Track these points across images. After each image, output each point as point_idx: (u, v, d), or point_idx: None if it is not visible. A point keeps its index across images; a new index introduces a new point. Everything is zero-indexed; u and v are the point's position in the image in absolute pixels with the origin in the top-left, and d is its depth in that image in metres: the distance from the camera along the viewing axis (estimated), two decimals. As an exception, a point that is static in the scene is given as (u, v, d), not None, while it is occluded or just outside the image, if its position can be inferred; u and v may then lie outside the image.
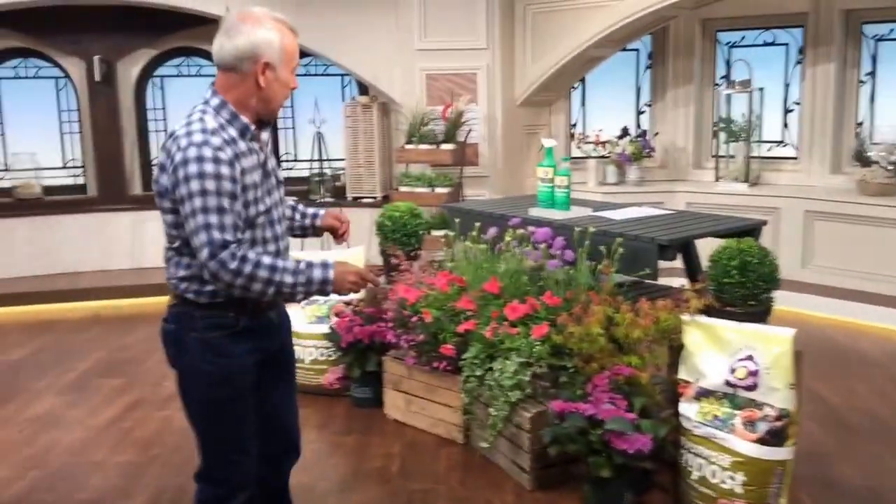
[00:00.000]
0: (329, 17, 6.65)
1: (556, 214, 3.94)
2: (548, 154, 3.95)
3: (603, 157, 6.98)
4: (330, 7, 6.67)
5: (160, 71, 7.54)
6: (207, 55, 6.72)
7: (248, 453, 2.38)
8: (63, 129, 7.43)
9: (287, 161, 7.61)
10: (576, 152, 7.17)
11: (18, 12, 6.68)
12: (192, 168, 2.07)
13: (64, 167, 7.53)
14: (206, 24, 6.61)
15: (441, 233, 5.50)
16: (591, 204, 4.36)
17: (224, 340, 2.26)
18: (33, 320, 6.38)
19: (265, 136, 2.33)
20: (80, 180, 7.49)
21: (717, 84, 6.94)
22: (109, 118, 7.18)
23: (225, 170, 2.09)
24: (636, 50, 7.21)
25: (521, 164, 6.85)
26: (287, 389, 2.55)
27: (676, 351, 3.18)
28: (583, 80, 7.27)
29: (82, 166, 7.46)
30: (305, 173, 7.37)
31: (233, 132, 2.17)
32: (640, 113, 7.30)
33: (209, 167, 2.07)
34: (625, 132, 6.99)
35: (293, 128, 7.64)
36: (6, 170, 7.35)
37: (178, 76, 7.60)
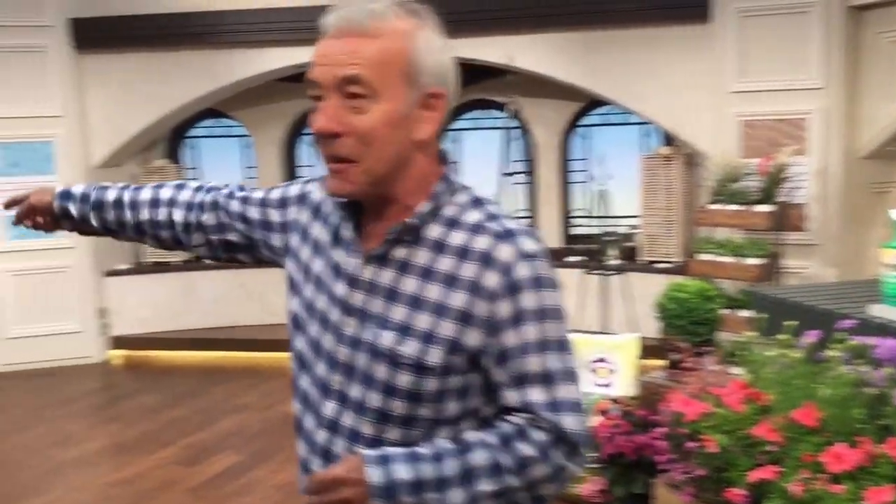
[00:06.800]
0: (623, 58, 5.87)
1: (912, 318, 2.74)
2: (900, 230, 2.78)
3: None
4: (624, 47, 5.89)
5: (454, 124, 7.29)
6: (501, 107, 6.27)
7: None
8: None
9: (574, 217, 6.95)
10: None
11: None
12: None
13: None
14: (500, 75, 6.19)
15: (746, 313, 4.40)
16: (969, 301, 3.04)
17: None
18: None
19: (375, 244, 1.31)
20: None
21: None
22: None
23: (299, 187, 1.50)
24: None
25: (866, 231, 5.44)
26: None
27: None
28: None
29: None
30: (593, 231, 6.65)
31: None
32: None
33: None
34: None
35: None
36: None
37: (473, 129, 7.28)
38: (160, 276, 6.85)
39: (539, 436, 1.24)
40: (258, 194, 1.53)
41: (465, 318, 1.24)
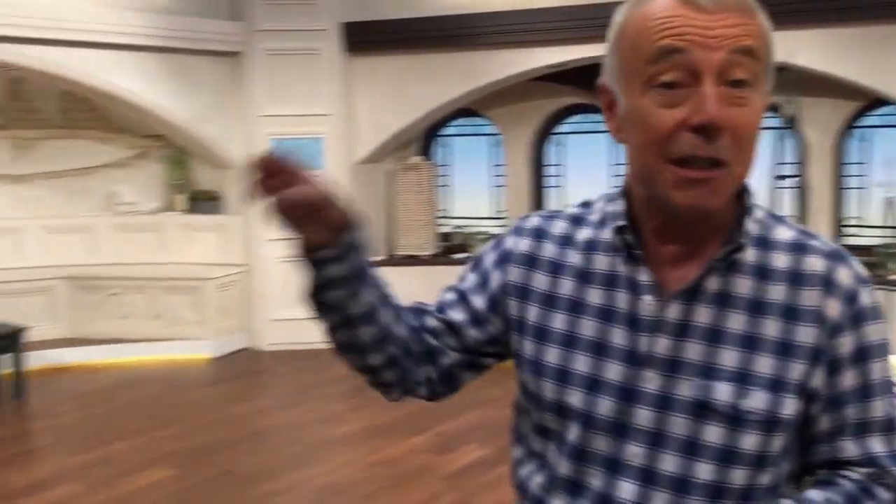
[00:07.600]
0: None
1: None
2: None
3: None
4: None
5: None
6: (774, 107, 5.86)
7: None
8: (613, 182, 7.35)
9: (848, 226, 6.37)
10: None
11: (579, 69, 6.72)
12: None
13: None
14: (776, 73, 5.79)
15: None
16: None
17: None
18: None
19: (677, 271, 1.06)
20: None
21: None
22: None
23: (494, 252, 1.19)
24: None
25: None
26: None
27: None
28: None
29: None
30: (874, 242, 6.07)
31: (590, 232, 1.12)
32: None
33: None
34: None
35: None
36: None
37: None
38: (410, 268, 7.11)
39: (883, 494, 1.05)
40: (449, 295, 1.21)
41: (815, 355, 1.02)
